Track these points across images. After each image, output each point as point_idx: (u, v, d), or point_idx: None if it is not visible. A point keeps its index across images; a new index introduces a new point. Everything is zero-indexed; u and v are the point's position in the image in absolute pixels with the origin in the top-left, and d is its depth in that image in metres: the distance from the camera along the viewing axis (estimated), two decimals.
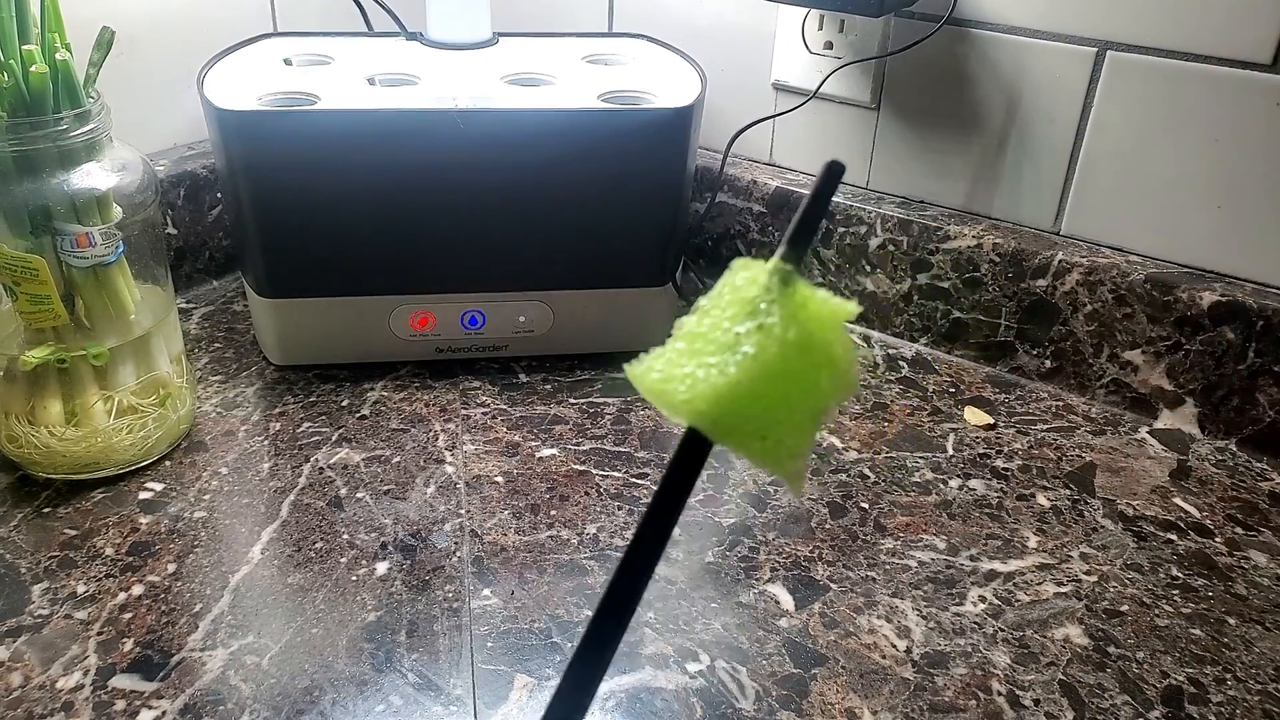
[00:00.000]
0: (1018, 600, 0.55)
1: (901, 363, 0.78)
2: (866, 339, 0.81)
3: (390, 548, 0.57)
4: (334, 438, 0.66)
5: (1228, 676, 0.51)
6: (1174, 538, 0.60)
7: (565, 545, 0.58)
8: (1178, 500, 0.64)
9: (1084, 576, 0.57)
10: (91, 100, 0.57)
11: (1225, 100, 0.66)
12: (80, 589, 0.53)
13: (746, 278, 0.27)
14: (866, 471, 0.65)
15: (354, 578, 0.55)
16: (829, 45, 0.79)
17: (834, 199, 0.80)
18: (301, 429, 0.67)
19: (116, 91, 0.60)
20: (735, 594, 0.55)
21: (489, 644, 0.51)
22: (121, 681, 0.48)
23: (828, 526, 0.60)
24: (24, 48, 0.53)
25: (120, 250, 0.59)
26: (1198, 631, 0.54)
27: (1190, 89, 0.67)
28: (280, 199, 0.67)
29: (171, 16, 0.80)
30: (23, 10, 0.54)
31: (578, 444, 0.67)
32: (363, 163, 0.66)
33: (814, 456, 0.66)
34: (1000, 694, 0.50)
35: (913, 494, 0.63)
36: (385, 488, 0.62)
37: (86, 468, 0.60)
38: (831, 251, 0.82)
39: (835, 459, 0.66)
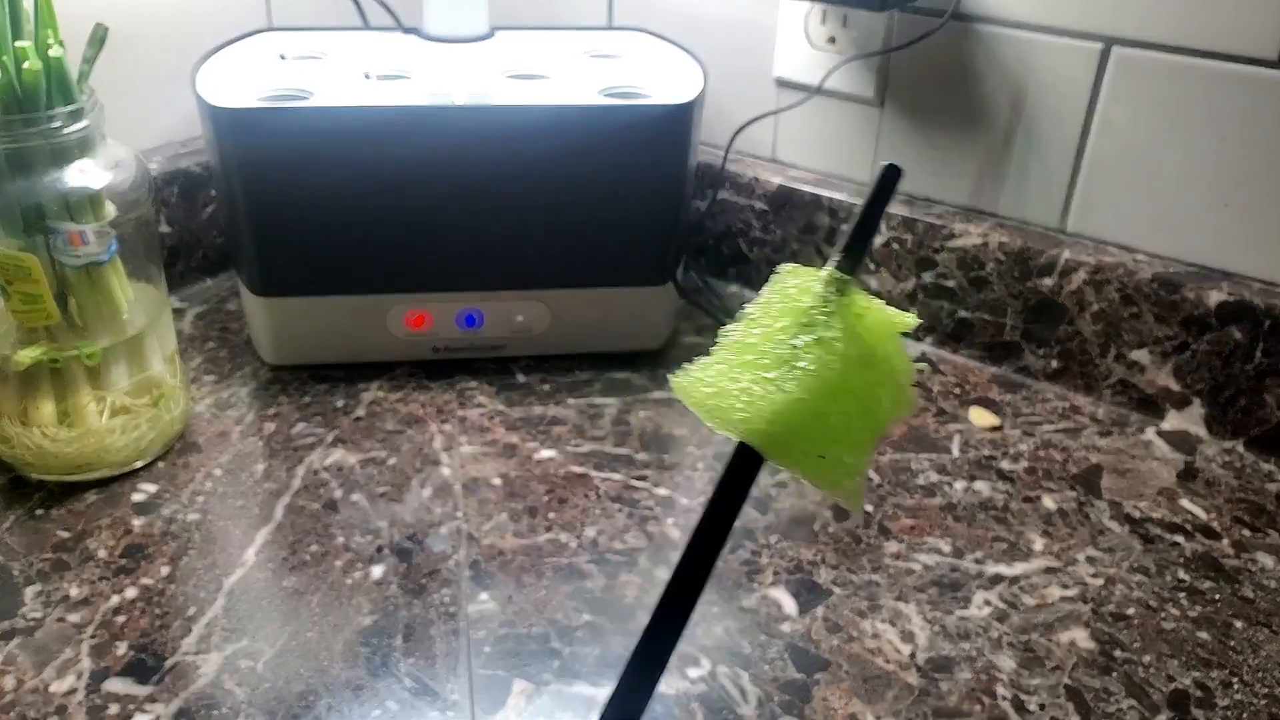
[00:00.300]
0: (1023, 604, 0.55)
1: None
2: None
3: (386, 551, 0.56)
4: (329, 439, 0.66)
5: (1234, 680, 0.50)
6: (1181, 540, 0.60)
7: (564, 549, 0.57)
8: (1184, 502, 0.63)
9: (1090, 579, 0.56)
10: (84, 97, 0.56)
11: (1232, 97, 0.65)
12: (73, 592, 0.53)
13: (798, 286, 0.25)
14: (870, 473, 0.64)
15: (349, 581, 0.54)
16: (832, 40, 0.78)
17: (837, 197, 0.80)
18: (296, 430, 0.66)
19: (109, 88, 0.60)
20: (737, 598, 0.54)
21: (486, 649, 0.51)
22: (115, 685, 0.48)
23: (831, 529, 0.59)
24: (17, 44, 0.53)
25: (113, 249, 0.58)
26: (1204, 635, 0.53)
27: (1197, 86, 0.66)
28: (275, 196, 0.66)
29: (165, 12, 0.80)
30: (16, 6, 0.54)
31: (577, 445, 0.66)
32: (358, 159, 0.65)
33: None
34: (1005, 699, 0.49)
35: (917, 496, 0.63)
36: (381, 490, 0.61)
37: (79, 469, 0.60)
38: (834, 250, 0.81)
39: None
